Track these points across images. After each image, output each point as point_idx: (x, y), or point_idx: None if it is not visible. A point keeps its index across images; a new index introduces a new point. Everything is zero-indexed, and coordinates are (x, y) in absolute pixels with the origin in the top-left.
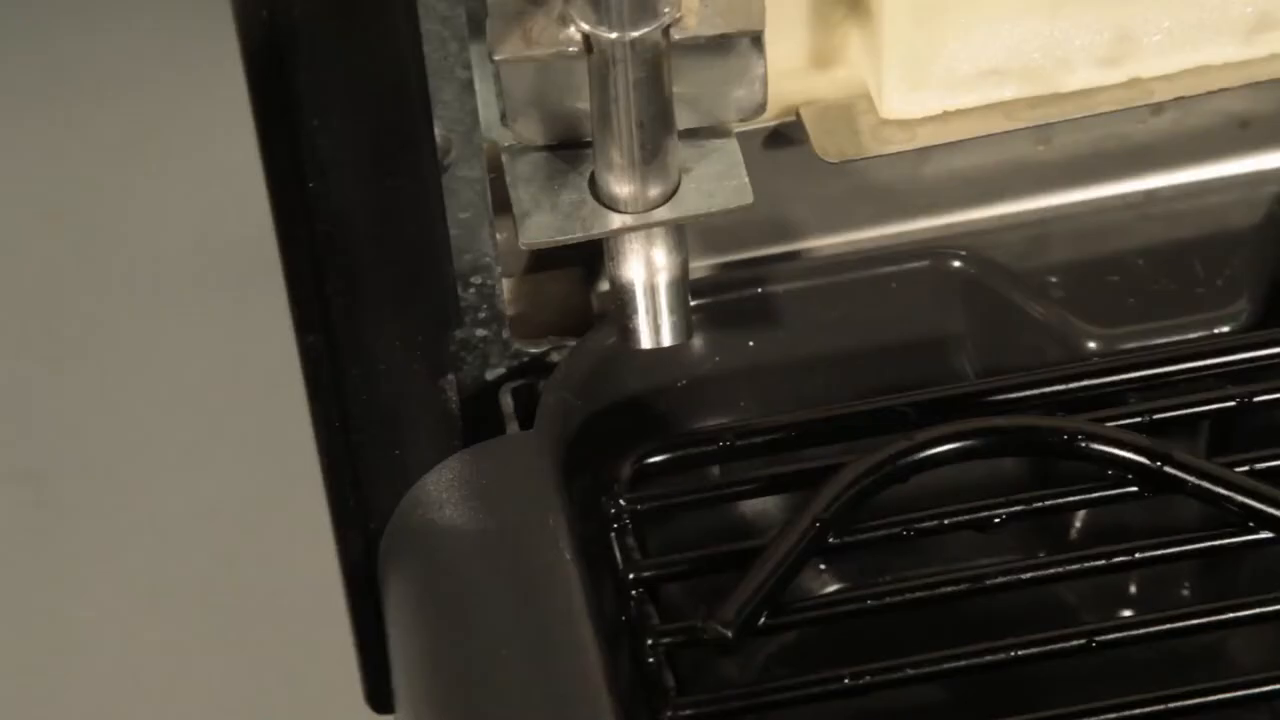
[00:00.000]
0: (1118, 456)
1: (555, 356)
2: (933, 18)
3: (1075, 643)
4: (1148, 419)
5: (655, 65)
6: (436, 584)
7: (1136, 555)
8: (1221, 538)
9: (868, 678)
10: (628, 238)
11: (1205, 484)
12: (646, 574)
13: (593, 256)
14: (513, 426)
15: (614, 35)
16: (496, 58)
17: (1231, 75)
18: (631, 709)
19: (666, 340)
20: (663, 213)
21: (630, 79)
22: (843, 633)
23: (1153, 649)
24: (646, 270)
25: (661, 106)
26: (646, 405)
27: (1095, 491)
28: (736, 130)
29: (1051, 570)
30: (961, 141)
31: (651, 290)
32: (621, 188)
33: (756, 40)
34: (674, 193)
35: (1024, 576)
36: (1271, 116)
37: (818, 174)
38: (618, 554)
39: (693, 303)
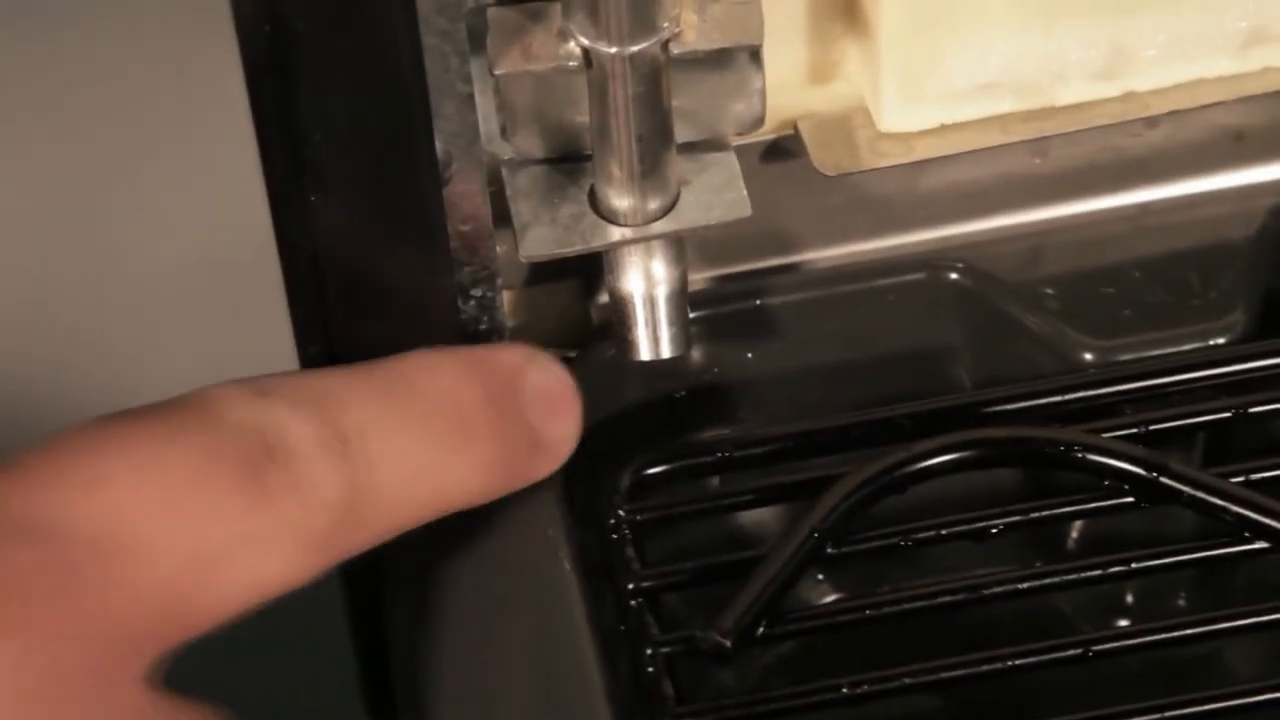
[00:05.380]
0: (1114, 467)
1: None
2: (930, 32)
3: (1072, 652)
4: (1143, 430)
5: (654, 79)
6: (435, 593)
7: (1133, 565)
8: (1217, 548)
9: (865, 687)
10: (627, 250)
11: (1201, 494)
12: (645, 584)
13: (592, 269)
14: None
15: (613, 50)
16: (497, 72)
17: (1225, 89)
18: (631, 719)
19: (665, 352)
20: (662, 225)
21: (629, 93)
22: (841, 642)
23: (1149, 658)
24: (645, 282)
25: (660, 120)
26: (645, 416)
27: (1091, 502)
28: (735, 143)
29: (1048, 580)
30: (958, 155)
31: (650, 302)
32: (621, 200)
33: (755, 54)
34: (673, 205)
35: (1021, 586)
36: (1265, 129)
37: (815, 187)
38: (617, 564)
39: (691, 315)
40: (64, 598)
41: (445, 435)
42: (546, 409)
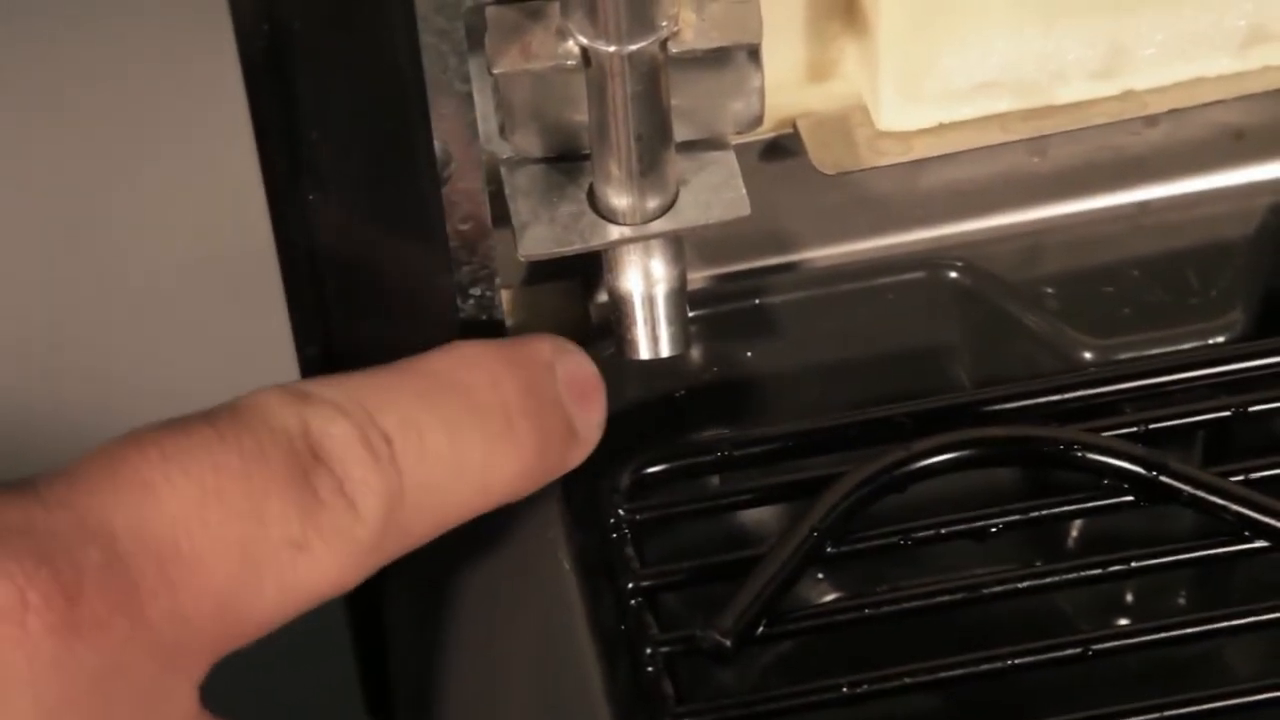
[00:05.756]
0: (1113, 466)
1: None
2: (929, 31)
3: (1071, 651)
4: (1143, 429)
5: (652, 78)
6: (435, 593)
7: (1132, 564)
8: (1217, 547)
9: (865, 686)
10: (626, 249)
11: (1201, 493)
12: (645, 584)
13: (591, 268)
14: None
15: (611, 49)
16: (495, 71)
17: (1225, 87)
18: (630, 718)
19: (664, 351)
20: (661, 224)
21: (628, 92)
22: (840, 642)
23: (1148, 657)
24: (645, 281)
25: (659, 119)
26: (644, 415)
27: (1091, 501)
28: (733, 142)
29: (1048, 579)
30: (957, 153)
31: (649, 301)
32: (620, 199)
33: (753, 53)
34: (672, 204)
35: (1020, 585)
36: (1265, 128)
37: (814, 185)
38: (616, 564)
39: (691, 313)
40: (126, 601)
41: (488, 430)
42: (578, 397)
